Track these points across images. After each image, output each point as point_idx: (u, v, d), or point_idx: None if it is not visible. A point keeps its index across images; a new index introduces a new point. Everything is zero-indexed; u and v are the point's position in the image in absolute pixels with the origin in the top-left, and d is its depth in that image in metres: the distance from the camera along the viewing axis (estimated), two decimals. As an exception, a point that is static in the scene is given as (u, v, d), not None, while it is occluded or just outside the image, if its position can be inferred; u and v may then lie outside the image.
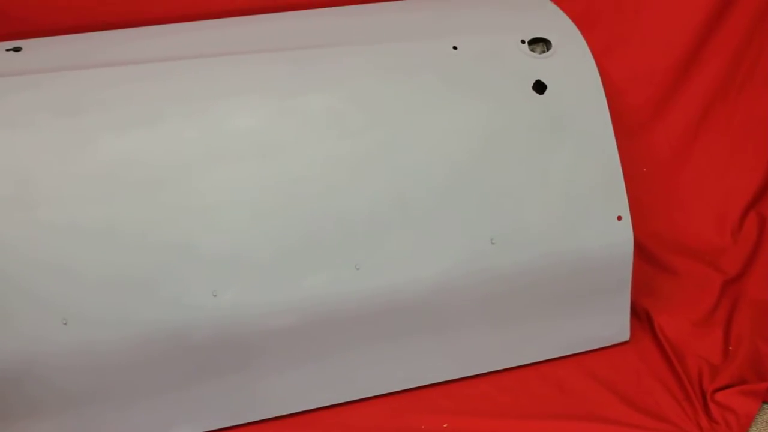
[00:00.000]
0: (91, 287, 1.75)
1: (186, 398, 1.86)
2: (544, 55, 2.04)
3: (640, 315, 2.19)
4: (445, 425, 1.89)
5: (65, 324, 1.74)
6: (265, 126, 1.89)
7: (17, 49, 1.99)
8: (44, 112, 1.82)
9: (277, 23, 2.15)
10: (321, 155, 1.89)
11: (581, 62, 2.06)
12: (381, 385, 1.98)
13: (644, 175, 2.45)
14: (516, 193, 1.95)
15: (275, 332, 1.85)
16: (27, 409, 1.78)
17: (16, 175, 1.76)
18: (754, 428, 1.90)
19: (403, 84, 1.97)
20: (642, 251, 2.33)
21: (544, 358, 2.06)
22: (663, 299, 2.23)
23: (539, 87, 2.00)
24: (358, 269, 1.86)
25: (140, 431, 1.87)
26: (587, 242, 1.98)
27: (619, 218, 2.00)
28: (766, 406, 1.95)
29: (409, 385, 1.99)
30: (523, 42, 2.05)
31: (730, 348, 2.08)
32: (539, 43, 2.06)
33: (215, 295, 1.80)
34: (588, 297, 2.04)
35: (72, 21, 2.15)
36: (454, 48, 2.02)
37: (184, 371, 1.84)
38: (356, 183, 1.88)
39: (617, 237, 2.00)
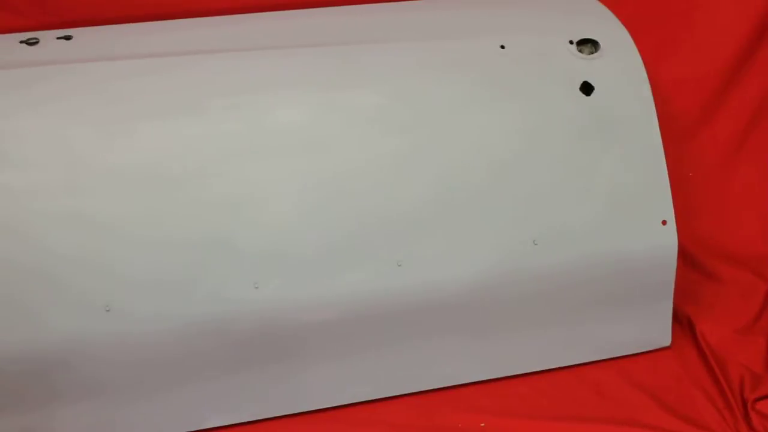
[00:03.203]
0: (135, 275, 1.77)
1: (223, 389, 1.87)
2: (592, 56, 2.03)
3: (681, 321, 2.17)
4: (482, 425, 1.89)
5: (108, 311, 1.75)
6: (310, 121, 1.90)
7: (68, 38, 2.01)
8: (91, 101, 1.84)
9: (323, 18, 2.15)
10: (365, 151, 1.89)
11: (630, 64, 2.04)
12: (419, 383, 1.97)
13: (690, 179, 2.42)
14: (560, 194, 1.94)
15: (315, 326, 1.86)
16: (67, 394, 1.79)
17: (62, 163, 1.77)
18: (795, 439, 1.88)
19: (450, 82, 1.97)
20: (686, 257, 2.30)
21: (584, 361, 2.05)
22: (706, 306, 2.21)
23: (586, 88, 1.99)
24: (399, 266, 1.86)
25: (178, 420, 1.88)
26: (631, 246, 1.97)
27: (664, 223, 1.98)
28: (807, 416, 1.92)
29: (447, 383, 1.98)
30: (571, 42, 2.04)
31: (772, 357, 2.06)
32: (587, 44, 2.05)
33: (257, 288, 1.81)
34: (630, 301, 2.02)
35: (122, 11, 2.17)
36: (502, 47, 2.01)
37: (223, 361, 1.85)
38: (400, 180, 1.88)
39: (661, 241, 1.98)
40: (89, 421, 1.83)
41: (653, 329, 2.08)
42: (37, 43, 1.98)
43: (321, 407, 1.94)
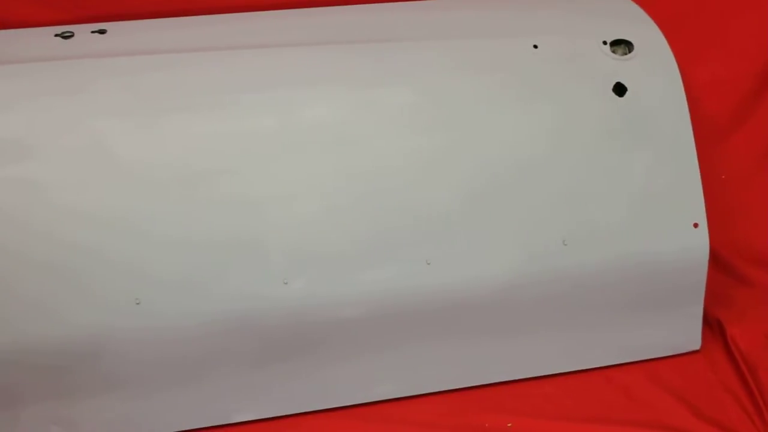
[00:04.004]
0: (164, 270, 1.78)
1: (250, 384, 1.88)
2: (625, 57, 2.02)
3: (712, 324, 2.15)
4: (509, 425, 1.88)
5: (138, 304, 1.76)
6: (341, 118, 1.90)
7: (102, 32, 2.02)
8: (125, 95, 1.85)
9: (355, 15, 2.15)
10: (396, 149, 1.89)
11: (663, 65, 2.03)
12: (446, 381, 1.97)
13: (723, 182, 2.40)
14: (591, 194, 1.94)
15: (343, 323, 1.86)
16: (96, 385, 1.81)
17: (96, 155, 1.78)
18: (825, 446, 1.86)
19: (482, 81, 1.96)
20: (717, 260, 2.28)
21: (612, 363, 2.04)
22: (737, 310, 2.18)
23: (619, 89, 1.98)
24: (429, 264, 1.86)
25: (204, 414, 1.88)
26: (662, 248, 1.96)
27: (696, 225, 1.97)
28: (838, 424, 1.90)
29: (474, 382, 1.98)
30: (604, 43, 2.03)
31: (803, 363, 2.04)
32: (621, 45, 2.04)
33: (286, 283, 1.81)
34: (659, 303, 2.01)
35: (156, 6, 2.18)
36: (535, 47, 2.00)
37: (251, 357, 1.86)
38: (431, 178, 1.88)
39: (692, 244, 1.97)
40: (117, 413, 1.84)
41: (683, 332, 2.07)
42: (71, 36, 2.00)
43: (348, 404, 1.94)
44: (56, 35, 2.00)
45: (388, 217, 1.86)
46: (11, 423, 1.79)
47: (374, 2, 2.24)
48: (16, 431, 1.79)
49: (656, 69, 2.02)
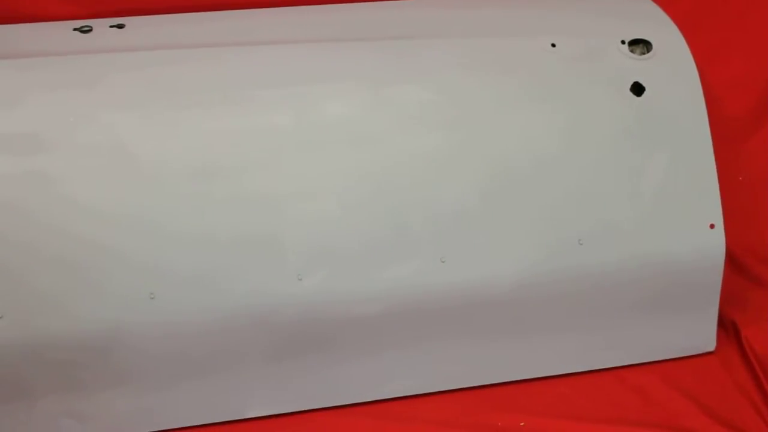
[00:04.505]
0: (180, 263, 1.79)
1: (263, 380, 1.88)
2: (644, 56, 2.01)
3: (726, 326, 2.14)
4: (522, 424, 1.88)
5: (152, 298, 1.77)
6: (358, 115, 1.90)
7: (120, 26, 2.03)
8: (141, 89, 1.86)
9: (374, 12, 2.15)
10: (412, 147, 1.89)
11: (682, 66, 2.02)
12: (458, 380, 1.97)
13: (740, 184, 2.39)
14: (607, 194, 1.93)
15: (357, 320, 1.86)
16: (109, 378, 1.82)
17: (112, 150, 1.79)
18: (839, 449, 1.85)
19: (500, 79, 1.96)
20: (733, 261, 2.26)
21: (626, 364, 2.03)
22: (752, 312, 2.17)
23: (637, 89, 1.97)
24: (443, 262, 1.85)
25: (218, 409, 1.89)
26: (677, 249, 1.95)
27: (712, 226, 1.96)
28: None
29: (487, 381, 1.98)
30: (623, 42, 2.02)
31: (819, 365, 2.03)
32: (639, 45, 2.03)
33: (300, 279, 1.81)
34: (674, 304, 2.01)
35: (175, 1, 2.18)
36: (553, 45, 2.00)
37: (264, 352, 1.86)
38: (447, 176, 1.88)
39: (709, 245, 1.97)
40: (129, 407, 1.85)
41: (698, 334, 2.06)
42: (90, 31, 2.00)
43: (360, 401, 1.94)
44: (75, 29, 2.01)
45: (404, 215, 1.86)
46: (25, 415, 1.79)
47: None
48: (29, 423, 1.80)
49: (674, 69, 2.01)
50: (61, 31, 2.01)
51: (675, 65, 2.02)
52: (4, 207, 1.73)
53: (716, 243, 1.97)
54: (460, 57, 1.98)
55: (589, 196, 1.92)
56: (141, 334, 1.78)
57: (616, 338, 2.01)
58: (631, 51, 2.01)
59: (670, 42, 2.04)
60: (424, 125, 1.90)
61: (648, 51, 2.02)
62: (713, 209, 1.97)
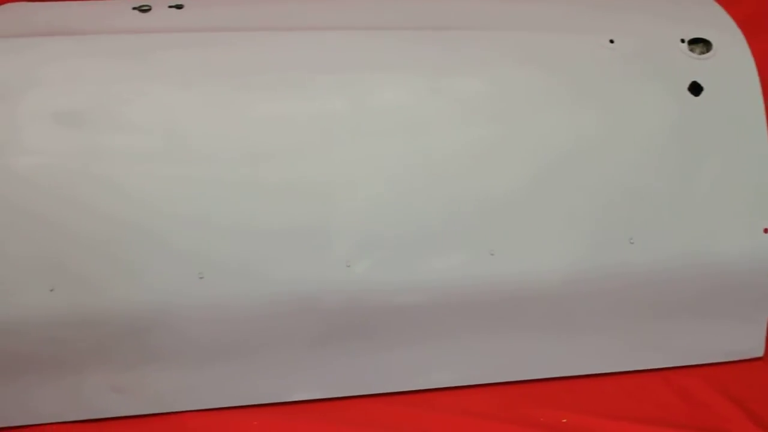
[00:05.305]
0: (229, 245, 1.80)
1: (307, 364, 1.89)
2: (703, 56, 1.99)
3: (776, 332, 2.12)
4: (564, 420, 1.87)
5: (201, 278, 1.78)
6: (412, 104, 1.90)
7: (179, 6, 2.04)
8: (198, 70, 1.87)
9: (435, 2, 2.14)
10: (465, 138, 1.88)
11: (741, 66, 1.99)
12: (503, 373, 1.96)
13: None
14: (660, 193, 1.91)
15: (403, 309, 1.86)
16: (155, 355, 1.84)
17: (166, 130, 1.81)
18: None
19: (554, 74, 1.95)
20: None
21: (672, 365, 2.02)
22: (802, 318, 2.14)
23: (695, 89, 1.95)
24: (492, 255, 1.85)
25: (261, 391, 1.90)
26: (729, 252, 1.93)
27: (766, 231, 1.93)
28: None
29: (531, 376, 1.97)
30: (682, 41, 2.00)
31: None
32: (699, 44, 2.01)
33: (348, 266, 1.82)
34: (724, 308, 1.98)
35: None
36: (611, 42, 1.98)
37: (310, 337, 1.87)
38: (498, 169, 1.87)
39: (761, 250, 1.94)
40: (176, 384, 1.86)
41: (746, 338, 2.04)
42: (149, 10, 2.02)
43: (402, 390, 1.94)
44: (134, 8, 2.03)
45: (454, 206, 1.86)
46: (77, 387, 1.82)
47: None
48: (80, 395, 1.83)
49: (734, 69, 1.98)
50: (120, 9, 2.03)
51: (735, 66, 1.99)
52: (57, 183, 1.75)
53: (769, 248, 1.95)
54: (516, 50, 1.97)
55: (640, 195, 1.91)
56: (188, 314, 1.80)
57: (662, 339, 1.99)
58: (691, 50, 1.99)
59: (731, 42, 2.01)
60: (478, 117, 1.90)
61: (708, 51, 1.99)
62: (768, 213, 1.95)
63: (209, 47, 1.91)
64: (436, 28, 2.01)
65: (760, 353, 2.06)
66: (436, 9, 2.09)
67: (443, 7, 2.11)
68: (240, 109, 1.85)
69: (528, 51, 1.97)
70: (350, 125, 1.86)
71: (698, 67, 1.97)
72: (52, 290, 1.74)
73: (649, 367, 2.01)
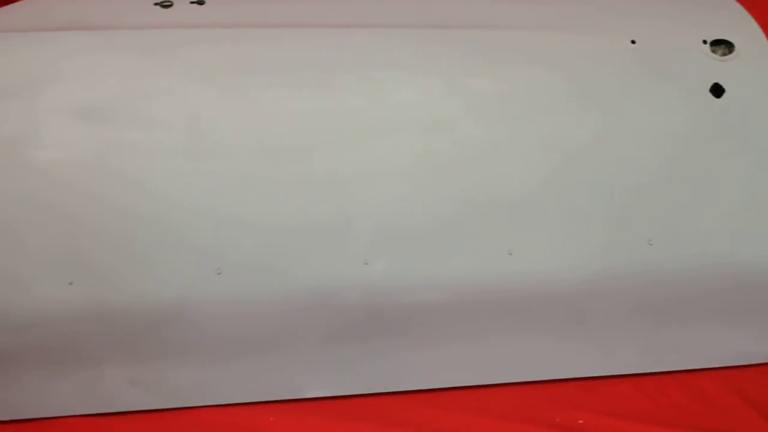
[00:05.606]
0: (247, 240, 1.80)
1: (324, 361, 1.89)
2: (725, 57, 1.98)
3: (795, 336, 2.10)
4: (580, 421, 1.86)
5: (219, 274, 1.78)
6: (431, 102, 1.90)
7: (201, 2, 2.05)
8: (219, 66, 1.88)
9: (458, 1, 2.14)
10: (485, 137, 1.89)
11: (764, 68, 1.99)
12: (519, 373, 1.95)
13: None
14: (681, 196, 1.91)
15: (421, 307, 1.86)
16: (173, 350, 1.84)
17: (186, 125, 1.82)
18: None
19: (575, 73, 1.95)
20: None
21: (691, 368, 2.00)
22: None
23: (717, 90, 1.94)
24: (510, 254, 1.85)
25: (277, 387, 1.90)
26: (751, 256, 1.92)
27: (787, 235, 1.93)
28: None
29: (548, 376, 1.96)
30: (705, 42, 1.99)
31: None
32: (722, 45, 2.00)
33: (366, 263, 1.82)
34: (745, 311, 1.98)
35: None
36: (632, 42, 1.97)
37: (327, 333, 1.87)
38: (517, 168, 1.88)
39: (784, 255, 1.93)
40: (192, 379, 1.87)
41: (764, 342, 2.02)
42: (171, 6, 2.03)
43: (418, 389, 1.93)
44: (155, 4, 2.04)
45: (472, 205, 1.86)
46: (95, 380, 1.83)
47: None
48: (99, 387, 1.83)
49: (757, 71, 1.98)
50: (143, 4, 2.04)
51: (757, 68, 1.99)
52: (77, 177, 1.77)
53: (791, 252, 1.93)
54: (537, 51, 1.98)
55: (661, 197, 1.90)
56: (206, 309, 1.81)
57: (681, 341, 1.98)
58: (713, 51, 1.99)
59: (754, 44, 2.01)
60: (497, 116, 1.90)
61: (730, 52, 1.99)
62: (791, 218, 1.93)
63: (230, 43, 1.92)
64: (458, 28, 2.01)
65: (778, 356, 2.05)
66: (461, 9, 2.09)
67: (468, 7, 2.11)
68: (260, 105, 1.85)
69: (550, 51, 1.98)
70: (369, 123, 1.86)
71: (720, 69, 1.97)
72: (70, 284, 1.75)
73: (666, 370, 2.00)
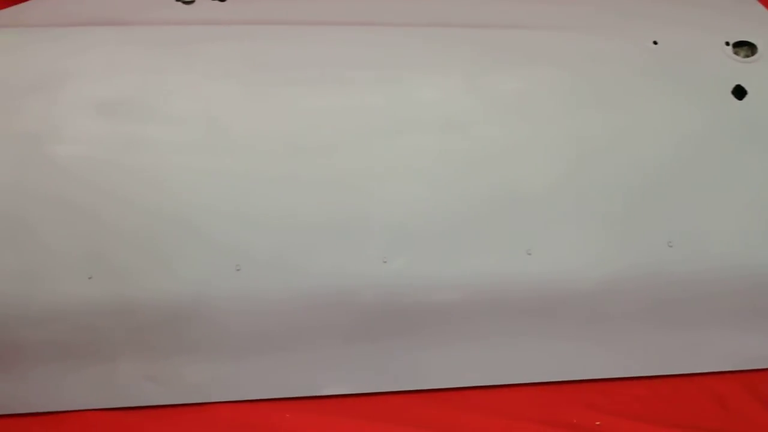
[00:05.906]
0: (267, 238, 1.80)
1: (340, 359, 1.89)
2: (748, 59, 1.97)
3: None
4: (597, 423, 1.86)
5: (238, 270, 1.79)
6: (450, 101, 1.90)
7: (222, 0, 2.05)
8: (239, 63, 1.88)
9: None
10: (503, 137, 1.88)
11: (787, 70, 1.97)
12: (535, 374, 1.95)
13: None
14: (700, 198, 1.90)
15: (439, 305, 1.86)
16: (190, 346, 1.85)
17: (206, 122, 1.82)
18: None
19: (596, 74, 1.94)
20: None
21: (707, 371, 1.99)
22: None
23: (739, 92, 1.93)
24: (529, 254, 1.84)
25: (293, 384, 1.90)
26: (768, 258, 1.91)
27: (806, 239, 1.92)
28: None
29: (565, 377, 1.96)
30: (727, 44, 1.98)
31: None
32: (744, 47, 1.99)
33: (385, 262, 1.82)
34: (760, 314, 1.97)
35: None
36: (655, 43, 1.96)
37: (345, 331, 1.87)
38: (536, 168, 1.87)
39: (803, 258, 1.92)
40: (209, 375, 1.87)
41: (785, 346, 2.02)
42: (192, 2, 2.03)
43: (435, 387, 1.93)
44: (177, 0, 2.03)
45: (491, 204, 1.85)
46: (112, 375, 1.83)
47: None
48: (115, 382, 1.84)
49: (779, 74, 1.97)
50: (164, 1, 2.03)
51: (780, 70, 1.97)
52: (97, 173, 1.77)
53: (811, 257, 1.92)
54: (558, 50, 1.97)
55: (681, 199, 1.89)
56: (224, 306, 1.81)
57: (699, 344, 1.97)
58: (736, 53, 1.98)
59: (777, 45, 2.00)
60: (516, 115, 1.90)
61: (753, 54, 1.97)
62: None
63: (251, 41, 1.92)
64: (477, 26, 2.00)
65: (799, 361, 2.04)
66: (481, 8, 2.08)
67: (488, 6, 2.10)
68: (279, 102, 1.85)
69: (570, 51, 1.97)
70: (388, 121, 1.86)
71: (742, 71, 1.96)
72: (90, 278, 1.76)
73: (685, 372, 1.99)
